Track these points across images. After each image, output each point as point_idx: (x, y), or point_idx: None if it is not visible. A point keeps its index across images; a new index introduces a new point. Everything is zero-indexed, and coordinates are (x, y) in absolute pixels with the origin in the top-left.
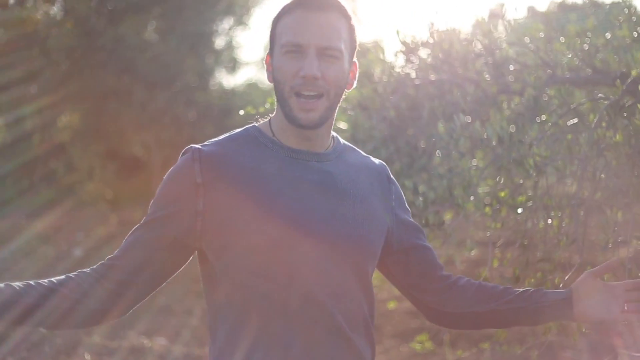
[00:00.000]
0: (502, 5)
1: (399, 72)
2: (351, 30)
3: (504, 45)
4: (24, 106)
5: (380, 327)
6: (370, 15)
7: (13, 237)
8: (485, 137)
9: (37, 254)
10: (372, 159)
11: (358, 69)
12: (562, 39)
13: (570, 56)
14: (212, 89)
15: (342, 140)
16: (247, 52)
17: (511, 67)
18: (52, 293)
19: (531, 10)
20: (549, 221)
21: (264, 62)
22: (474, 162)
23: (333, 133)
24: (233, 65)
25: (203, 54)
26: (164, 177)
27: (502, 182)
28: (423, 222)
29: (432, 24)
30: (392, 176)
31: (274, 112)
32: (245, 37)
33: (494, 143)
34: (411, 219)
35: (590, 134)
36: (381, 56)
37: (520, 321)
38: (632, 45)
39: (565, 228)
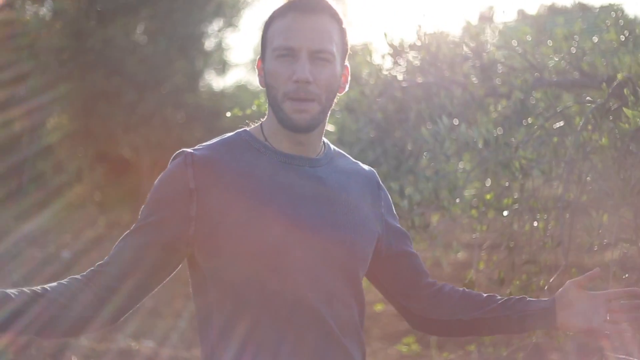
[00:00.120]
0: (492, 8)
1: (386, 75)
2: (342, 33)
3: (491, 48)
4: (12, 107)
5: (368, 329)
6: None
7: (0, 239)
8: (471, 139)
9: (25, 256)
10: (362, 165)
11: (350, 73)
12: (550, 42)
13: (557, 59)
14: (202, 90)
15: (332, 146)
16: (236, 54)
17: (499, 70)
18: (40, 297)
19: (521, 13)
20: (535, 224)
21: (256, 66)
22: (461, 165)
23: (324, 139)
24: (223, 67)
25: (192, 55)
26: (156, 182)
27: (489, 184)
28: (409, 224)
29: (420, 27)
30: (381, 182)
31: (265, 116)
32: (235, 39)
33: (480, 146)
34: (399, 226)
35: (576, 136)
36: (368, 58)
37: (504, 329)
38: (619, 49)
39: (551, 230)
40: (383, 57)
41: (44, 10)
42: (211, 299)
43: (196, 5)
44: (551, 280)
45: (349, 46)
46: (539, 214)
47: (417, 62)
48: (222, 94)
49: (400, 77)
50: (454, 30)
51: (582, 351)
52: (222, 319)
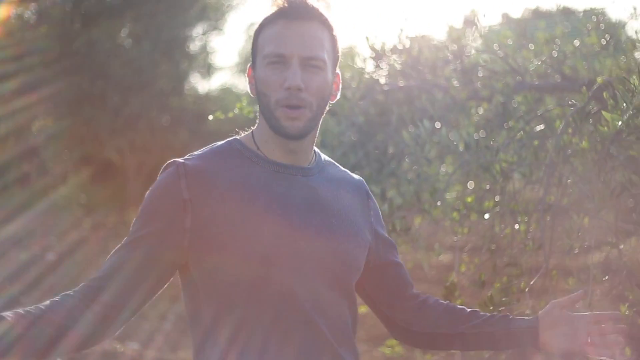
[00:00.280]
0: (474, 12)
1: (368, 78)
2: (334, 40)
3: (473, 51)
4: None
5: None
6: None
7: None
8: (452, 143)
9: (9, 257)
10: (351, 174)
11: (341, 80)
12: (532, 46)
13: (539, 63)
14: (187, 93)
15: (322, 155)
16: (221, 57)
17: (480, 74)
18: (38, 320)
19: (505, 17)
20: (516, 226)
21: (246, 74)
22: (443, 168)
23: (315, 147)
24: (207, 70)
25: (177, 58)
26: (147, 194)
27: (471, 187)
28: (390, 227)
29: (402, 30)
30: (370, 192)
31: (256, 125)
32: (220, 42)
33: (461, 149)
34: (387, 235)
35: (556, 140)
36: (350, 62)
37: (485, 345)
38: (600, 53)
39: (532, 233)
40: (365, 60)
41: (29, 13)
42: (205, 308)
43: (180, 9)
44: (532, 282)
45: (340, 54)
46: (520, 217)
47: (399, 66)
48: (207, 97)
49: (382, 81)
50: (438, 34)
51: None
52: (217, 331)
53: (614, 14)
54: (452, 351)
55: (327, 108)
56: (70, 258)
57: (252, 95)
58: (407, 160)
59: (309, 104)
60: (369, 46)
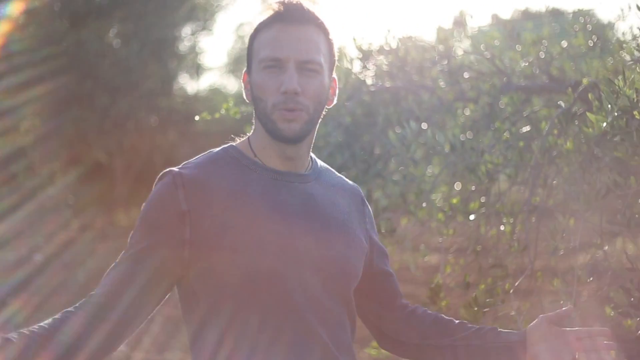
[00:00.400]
0: (463, 13)
1: (354, 79)
2: (330, 44)
3: (460, 52)
4: None
5: None
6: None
7: None
8: (438, 144)
9: None
10: (346, 180)
11: (337, 85)
12: (519, 47)
13: (526, 64)
14: (175, 94)
15: (318, 161)
16: (210, 58)
17: (466, 75)
18: (45, 341)
19: (495, 18)
20: (502, 227)
21: (242, 80)
22: (430, 169)
23: (311, 154)
24: (196, 71)
25: (166, 59)
26: (144, 206)
27: (459, 188)
28: (376, 229)
29: (389, 31)
30: (365, 199)
31: (252, 131)
32: (209, 42)
33: (446, 150)
34: (381, 243)
35: (542, 141)
36: (337, 62)
37: (473, 358)
38: (587, 54)
39: (517, 234)
40: (352, 61)
41: (16, 12)
42: (206, 321)
43: (169, 9)
44: (517, 283)
45: (337, 58)
46: (505, 218)
47: (385, 66)
48: (196, 97)
49: (368, 81)
50: (426, 35)
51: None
52: (217, 337)
53: (604, 15)
54: None
55: (324, 113)
56: (57, 259)
57: (247, 101)
58: (393, 161)
59: (305, 108)
60: (356, 47)
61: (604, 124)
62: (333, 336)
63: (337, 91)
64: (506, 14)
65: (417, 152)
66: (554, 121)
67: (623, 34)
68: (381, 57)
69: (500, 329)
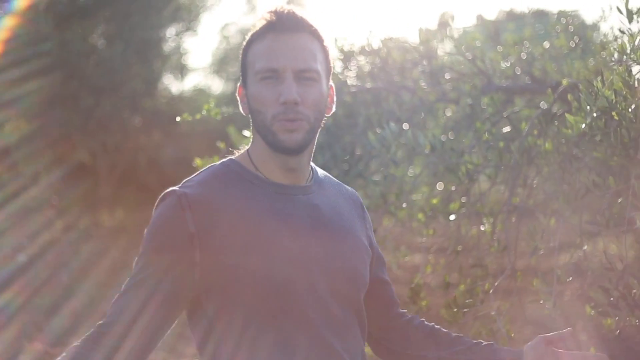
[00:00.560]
0: (445, 14)
1: (336, 79)
2: (325, 51)
3: (441, 53)
4: None
5: None
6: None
7: None
8: (418, 145)
9: None
10: (344, 185)
11: (335, 93)
12: (500, 48)
13: (507, 65)
14: (159, 94)
15: (318, 169)
16: (195, 58)
17: (447, 76)
18: None
19: (480, 19)
20: (482, 228)
21: (237, 94)
22: (411, 170)
23: (311, 163)
24: (181, 71)
25: (150, 59)
26: (150, 228)
27: (441, 189)
28: None
29: (371, 32)
30: (363, 204)
31: (251, 144)
32: (194, 43)
33: (426, 151)
34: (379, 250)
35: (521, 141)
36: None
37: None
38: (569, 55)
39: (497, 234)
40: (333, 62)
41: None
42: (217, 335)
43: (154, 9)
44: (496, 283)
45: (333, 64)
46: (485, 218)
47: (367, 67)
48: (180, 98)
49: (350, 82)
50: (410, 36)
51: None
52: (230, 355)
53: (588, 16)
54: None
55: (323, 122)
56: (41, 259)
57: (244, 114)
58: (374, 162)
59: (306, 117)
60: (337, 47)
61: (583, 125)
62: (347, 347)
63: (335, 98)
64: (491, 15)
65: (398, 153)
66: (533, 122)
67: (605, 35)
68: (362, 58)
69: (497, 346)
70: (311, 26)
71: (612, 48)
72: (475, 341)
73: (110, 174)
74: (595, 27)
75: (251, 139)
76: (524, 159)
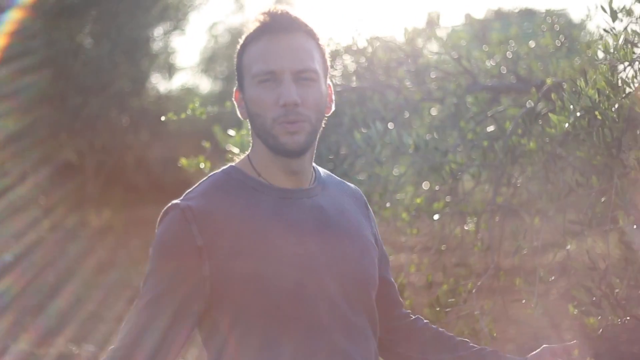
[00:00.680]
0: (431, 14)
1: None
2: (322, 50)
3: (427, 52)
4: None
5: None
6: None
7: None
8: (402, 144)
9: None
10: (347, 183)
11: (333, 92)
12: (485, 47)
13: (493, 64)
14: (147, 94)
15: (319, 169)
16: (183, 57)
17: (432, 75)
18: None
19: (468, 18)
20: (466, 227)
21: (233, 98)
22: (397, 169)
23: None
24: (169, 71)
25: (138, 59)
26: (156, 244)
27: (427, 188)
28: None
29: (357, 31)
30: (367, 201)
31: (251, 149)
32: (182, 42)
33: (410, 151)
34: (384, 248)
35: (505, 141)
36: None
37: None
38: (554, 54)
39: (481, 234)
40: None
41: None
42: (231, 347)
43: (141, 9)
44: (479, 283)
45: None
46: (469, 217)
47: (352, 66)
48: (167, 97)
49: (335, 81)
50: (397, 35)
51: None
52: None
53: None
54: None
55: (324, 123)
56: (27, 259)
57: (242, 119)
58: (359, 162)
59: (307, 119)
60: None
61: (566, 125)
62: (360, 350)
63: (334, 97)
64: (480, 14)
65: (383, 153)
66: (517, 121)
67: (591, 34)
68: (348, 57)
69: (501, 353)
70: (306, 25)
71: (596, 47)
72: (478, 347)
73: (98, 174)
74: (582, 26)
75: (251, 144)
76: (508, 158)
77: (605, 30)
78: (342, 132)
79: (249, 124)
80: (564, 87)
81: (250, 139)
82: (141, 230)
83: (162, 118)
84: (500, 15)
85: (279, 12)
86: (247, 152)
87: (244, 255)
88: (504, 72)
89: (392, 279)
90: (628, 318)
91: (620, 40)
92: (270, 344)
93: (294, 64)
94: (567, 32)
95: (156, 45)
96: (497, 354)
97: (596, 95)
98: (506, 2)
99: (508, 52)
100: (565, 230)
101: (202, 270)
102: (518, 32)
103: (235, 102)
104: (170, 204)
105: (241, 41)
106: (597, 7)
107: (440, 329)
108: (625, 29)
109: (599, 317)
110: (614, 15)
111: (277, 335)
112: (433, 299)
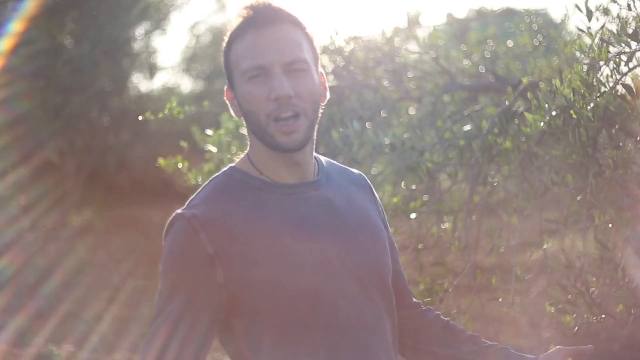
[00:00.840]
0: (409, 13)
1: None
2: (310, 39)
3: (405, 52)
4: None
5: None
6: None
7: None
8: (378, 144)
9: None
10: (351, 170)
11: (326, 79)
12: (464, 47)
13: (470, 63)
14: (128, 94)
15: (321, 158)
16: (164, 57)
17: (410, 74)
18: None
19: (450, 17)
20: (443, 226)
21: (225, 98)
22: (375, 169)
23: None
24: (150, 70)
25: (119, 58)
26: (166, 259)
27: (404, 187)
28: None
29: (335, 31)
30: (372, 186)
31: (249, 147)
32: (163, 41)
33: (386, 150)
34: (391, 234)
35: (482, 140)
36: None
37: None
38: (532, 53)
39: (458, 232)
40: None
41: None
42: (253, 354)
43: (122, 9)
44: (455, 282)
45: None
46: (446, 217)
47: (330, 66)
48: (148, 97)
49: None
50: (375, 35)
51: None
52: None
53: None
54: None
55: (321, 111)
56: (6, 259)
57: (237, 117)
58: (336, 161)
59: (303, 111)
60: None
61: (542, 124)
62: (380, 343)
63: (327, 85)
64: (461, 13)
65: (360, 152)
66: (494, 120)
67: (570, 33)
68: (326, 57)
69: (512, 350)
70: (291, 15)
71: (572, 47)
72: (489, 343)
73: (79, 173)
74: (562, 25)
75: (248, 142)
76: (485, 157)
77: (580, 29)
78: (320, 131)
79: (244, 122)
80: (540, 86)
81: (247, 138)
82: (122, 230)
83: (140, 117)
84: (482, 15)
85: (262, 4)
86: (246, 151)
87: (257, 260)
88: (483, 72)
89: (401, 268)
90: (603, 316)
91: (596, 40)
92: (290, 345)
93: (282, 56)
94: (545, 32)
95: (137, 45)
96: (507, 351)
97: (571, 95)
98: (488, 2)
99: (486, 52)
100: (541, 229)
101: (216, 279)
102: (497, 31)
103: (227, 101)
104: (174, 215)
105: (226, 39)
106: (576, 7)
107: (451, 321)
108: (602, 28)
109: (574, 315)
110: (589, 15)
111: (297, 337)
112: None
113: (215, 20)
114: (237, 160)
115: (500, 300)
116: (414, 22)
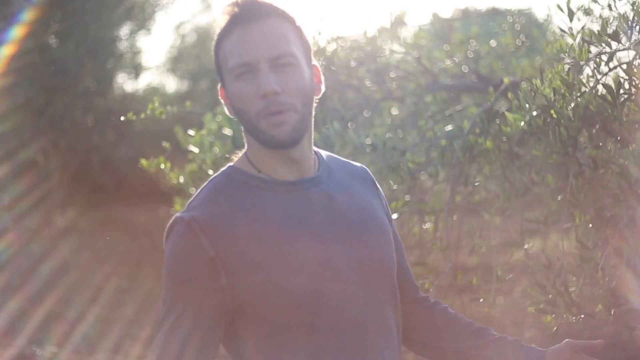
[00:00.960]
0: (392, 12)
1: None
2: (299, 31)
3: (388, 52)
4: None
5: None
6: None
7: None
8: (359, 144)
9: None
10: (352, 163)
11: (321, 72)
12: (446, 47)
13: (452, 63)
14: (113, 94)
15: (321, 153)
16: (149, 57)
17: (393, 74)
18: None
19: (435, 17)
20: (424, 226)
21: (220, 97)
22: None
23: (314, 148)
24: (135, 70)
25: (104, 58)
26: (168, 265)
27: (386, 187)
28: None
29: (318, 31)
30: (375, 180)
31: (246, 146)
32: (148, 41)
33: (367, 150)
34: (395, 229)
35: (463, 139)
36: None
37: None
38: (514, 53)
39: (440, 232)
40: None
41: None
42: (255, 355)
43: (107, 8)
44: (436, 282)
45: (311, 43)
46: (427, 217)
47: None
48: (133, 97)
49: None
50: (358, 35)
51: None
52: None
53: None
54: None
55: (315, 104)
56: None
57: (232, 117)
58: None
59: (292, 106)
60: None
61: (522, 123)
62: (384, 342)
63: (322, 78)
64: (447, 13)
65: (341, 152)
66: (475, 120)
67: (554, 33)
68: None
69: (523, 343)
70: (277, 8)
71: (553, 47)
72: (499, 335)
73: (63, 174)
74: (546, 25)
75: (245, 141)
76: (466, 157)
77: (561, 29)
78: None
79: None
80: (522, 86)
81: (244, 138)
82: (106, 231)
83: (122, 118)
84: (467, 15)
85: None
86: (244, 150)
87: (258, 260)
88: (465, 72)
89: (407, 262)
90: (582, 316)
91: (578, 40)
92: (295, 346)
93: (268, 51)
94: (528, 32)
95: (122, 45)
96: (518, 343)
97: (552, 94)
98: (474, 1)
99: (469, 52)
100: (522, 229)
101: (219, 282)
102: (481, 31)
103: (222, 101)
104: (174, 219)
105: (215, 37)
106: (558, 7)
107: (459, 314)
108: (583, 28)
109: (554, 316)
110: (571, 15)
111: (301, 338)
112: None
113: (200, 20)
114: (235, 159)
115: (481, 300)
116: (399, 21)
